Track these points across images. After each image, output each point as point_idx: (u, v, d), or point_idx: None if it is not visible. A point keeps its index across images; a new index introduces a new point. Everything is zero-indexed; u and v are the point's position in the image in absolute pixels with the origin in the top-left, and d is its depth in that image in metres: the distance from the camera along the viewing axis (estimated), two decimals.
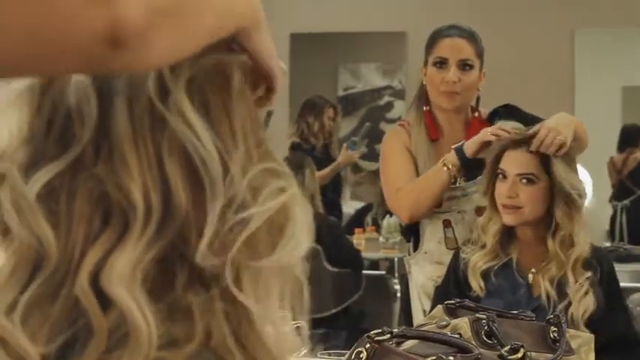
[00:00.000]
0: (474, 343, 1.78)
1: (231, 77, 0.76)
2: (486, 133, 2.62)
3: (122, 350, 0.69)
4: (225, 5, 0.72)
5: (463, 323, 1.91)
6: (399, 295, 4.69)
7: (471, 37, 2.83)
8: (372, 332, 1.63)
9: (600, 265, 2.46)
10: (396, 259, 4.97)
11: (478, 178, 2.66)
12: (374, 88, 6.81)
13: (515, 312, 2.08)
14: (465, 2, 6.18)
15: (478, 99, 2.91)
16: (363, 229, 5.51)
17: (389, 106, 6.78)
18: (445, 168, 2.69)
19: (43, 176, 0.72)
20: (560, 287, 2.42)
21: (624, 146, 6.03)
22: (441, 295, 2.50)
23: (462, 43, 2.80)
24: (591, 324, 2.35)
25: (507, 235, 2.51)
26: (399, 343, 1.67)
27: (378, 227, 5.51)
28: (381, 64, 6.81)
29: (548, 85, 6.25)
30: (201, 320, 0.72)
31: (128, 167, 0.71)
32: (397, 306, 4.75)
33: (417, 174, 2.81)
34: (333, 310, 4.42)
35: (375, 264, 5.22)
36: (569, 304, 2.38)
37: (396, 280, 4.99)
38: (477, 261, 2.48)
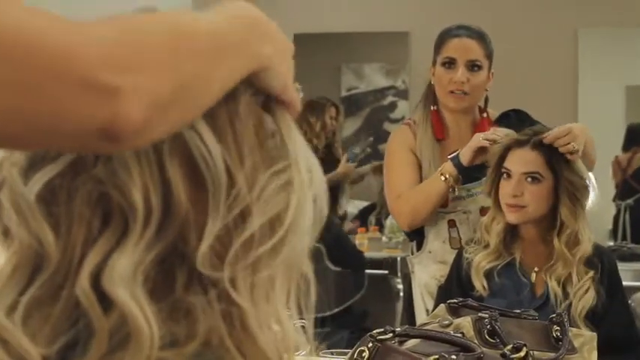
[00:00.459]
0: (476, 342, 1.79)
1: (238, 90, 0.76)
2: (479, 140, 2.62)
3: (124, 352, 0.69)
4: (232, 65, 0.72)
5: (466, 322, 1.91)
6: (401, 294, 4.69)
7: (480, 37, 2.82)
8: (374, 331, 1.63)
9: (602, 262, 2.46)
10: (398, 259, 4.97)
11: (483, 179, 2.66)
12: (377, 88, 6.81)
13: (517, 311, 2.08)
14: (467, 2, 6.18)
15: (486, 100, 2.90)
16: (366, 229, 5.51)
17: (392, 106, 6.78)
18: (442, 178, 2.70)
19: (42, 177, 0.72)
20: (564, 286, 2.43)
21: (630, 145, 6.02)
22: (443, 294, 2.50)
23: (471, 43, 2.80)
24: (592, 321, 2.35)
25: (511, 234, 2.52)
26: (401, 342, 1.67)
27: (381, 227, 5.51)
28: (384, 64, 6.81)
29: (552, 84, 6.25)
30: (202, 320, 0.72)
31: (128, 168, 0.71)
32: (400, 305, 4.75)
33: (421, 175, 2.81)
34: (336, 310, 4.42)
35: (377, 263, 5.22)
36: (570, 303, 2.39)
37: (398, 280, 4.99)
38: (480, 261, 2.48)
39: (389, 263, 5.15)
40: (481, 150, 2.62)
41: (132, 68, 0.62)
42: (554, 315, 2.04)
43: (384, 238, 5.28)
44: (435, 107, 2.86)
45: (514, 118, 2.84)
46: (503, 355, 1.67)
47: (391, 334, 1.62)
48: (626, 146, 6.04)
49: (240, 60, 0.73)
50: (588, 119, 2.64)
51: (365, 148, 5.68)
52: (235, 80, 0.73)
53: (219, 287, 0.73)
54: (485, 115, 2.88)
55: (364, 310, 4.75)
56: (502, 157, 2.51)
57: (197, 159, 0.73)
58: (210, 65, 0.69)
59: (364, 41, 6.78)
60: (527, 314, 2.07)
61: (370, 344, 1.60)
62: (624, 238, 5.70)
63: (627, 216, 5.82)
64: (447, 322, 1.94)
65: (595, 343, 2.05)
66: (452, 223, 2.82)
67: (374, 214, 5.85)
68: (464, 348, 1.59)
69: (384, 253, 5.20)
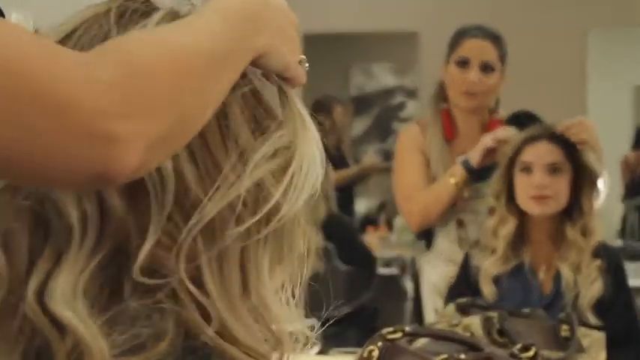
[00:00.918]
0: (485, 341, 1.80)
1: None
2: (487, 141, 2.63)
3: None
4: (231, 77, 0.71)
5: (475, 322, 1.92)
6: (410, 293, 4.69)
7: (496, 39, 2.81)
8: (384, 330, 1.64)
9: (608, 256, 2.47)
10: (408, 258, 4.97)
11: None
12: (386, 88, 6.81)
13: (526, 310, 2.08)
14: (476, 2, 6.18)
15: (498, 101, 2.90)
16: (376, 228, 5.51)
17: (401, 105, 6.78)
18: (453, 181, 2.71)
19: None
20: (574, 276, 2.44)
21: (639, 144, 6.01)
22: (453, 296, 2.50)
23: (486, 44, 2.79)
24: (599, 312, 2.36)
25: (519, 237, 2.51)
26: (410, 342, 1.68)
27: (390, 226, 5.51)
28: (394, 64, 6.81)
29: (561, 84, 6.24)
30: (167, 318, 0.71)
31: None
32: (409, 304, 4.75)
33: (430, 174, 2.81)
34: (345, 309, 4.42)
35: (387, 263, 5.22)
36: (578, 293, 2.39)
37: (408, 279, 4.99)
38: (488, 267, 2.48)
39: (398, 263, 5.15)
40: (491, 151, 2.63)
41: (129, 114, 0.61)
42: (562, 314, 2.04)
43: (393, 238, 5.28)
44: (446, 106, 2.86)
45: (524, 119, 2.84)
46: (512, 354, 1.67)
47: (401, 334, 1.63)
48: (636, 145, 6.02)
49: (239, 65, 0.72)
50: (597, 119, 2.64)
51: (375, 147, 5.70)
52: (232, 84, 0.72)
53: (174, 286, 0.71)
54: (496, 116, 2.88)
55: (374, 309, 4.75)
56: (516, 154, 2.51)
57: None
58: (210, 88, 0.68)
59: (373, 41, 6.78)
60: (536, 314, 2.07)
61: (380, 343, 1.61)
62: (633, 237, 5.69)
63: (636, 215, 5.81)
64: (455, 321, 1.95)
65: (603, 343, 2.06)
66: (460, 223, 2.83)
67: (383, 213, 5.85)
68: (472, 347, 1.60)
69: (393, 253, 5.21)
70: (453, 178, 2.70)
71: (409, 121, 6.45)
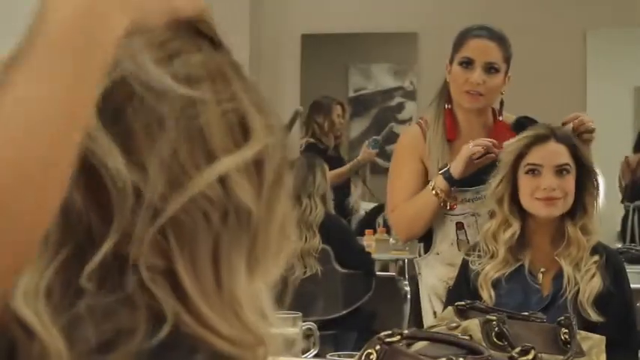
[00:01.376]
0: (484, 344, 1.78)
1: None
2: (469, 148, 2.64)
3: None
4: (91, 92, 0.66)
5: (473, 325, 1.90)
6: (409, 296, 4.68)
7: (500, 40, 2.80)
8: (382, 333, 1.63)
9: (606, 251, 2.48)
10: (406, 261, 4.96)
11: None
12: (385, 89, 6.80)
13: (525, 313, 2.07)
14: (477, 3, 6.17)
15: (502, 103, 2.88)
16: (374, 231, 5.50)
17: (400, 107, 6.77)
18: (434, 192, 2.70)
19: None
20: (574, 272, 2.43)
21: None
22: (452, 297, 2.49)
23: (491, 45, 2.77)
24: (599, 308, 2.35)
25: (519, 240, 2.48)
26: (409, 345, 1.67)
27: (388, 228, 5.49)
28: (392, 64, 6.80)
29: (561, 85, 6.24)
30: (137, 312, 0.70)
31: None
32: (407, 307, 4.74)
33: (426, 182, 2.79)
34: (343, 312, 4.41)
35: (385, 265, 5.21)
36: (578, 290, 2.38)
37: (406, 282, 4.98)
38: (488, 272, 2.46)
39: (396, 265, 5.14)
40: (471, 160, 2.63)
41: None
42: (562, 317, 2.03)
43: (391, 240, 5.26)
44: (449, 106, 2.84)
45: (528, 125, 2.81)
46: (511, 357, 1.66)
47: (399, 337, 1.61)
48: (638, 147, 6.01)
49: (93, 83, 0.66)
50: (596, 120, 2.62)
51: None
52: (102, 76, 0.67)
53: (144, 280, 0.71)
54: (500, 118, 2.86)
55: (372, 312, 4.74)
56: (521, 156, 2.48)
57: (96, 167, 0.70)
58: (53, 170, 0.64)
59: (372, 42, 6.78)
60: (535, 317, 2.06)
61: (378, 346, 1.60)
62: (633, 240, 5.69)
63: (636, 218, 5.80)
64: (454, 324, 1.93)
65: (603, 347, 2.04)
66: (460, 226, 2.81)
67: (381, 215, 5.84)
68: (471, 351, 1.59)
69: (391, 255, 5.20)
70: (433, 189, 2.71)
71: (407, 122, 6.46)
